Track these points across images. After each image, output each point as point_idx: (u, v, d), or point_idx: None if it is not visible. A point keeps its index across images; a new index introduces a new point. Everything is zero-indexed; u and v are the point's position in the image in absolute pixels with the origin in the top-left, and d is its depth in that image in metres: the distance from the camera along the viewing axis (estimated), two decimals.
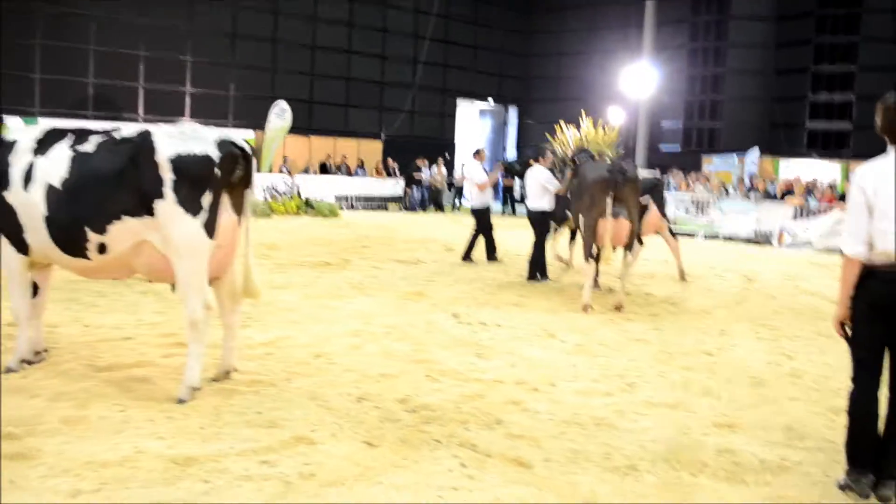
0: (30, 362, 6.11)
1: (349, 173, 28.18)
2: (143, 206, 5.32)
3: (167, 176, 5.28)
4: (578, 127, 17.96)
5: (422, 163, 28.78)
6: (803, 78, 28.54)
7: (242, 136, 5.81)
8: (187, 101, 28.44)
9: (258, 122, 26.36)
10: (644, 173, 12.13)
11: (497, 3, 36.49)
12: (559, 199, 11.95)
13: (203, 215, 5.34)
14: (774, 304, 10.81)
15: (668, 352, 7.60)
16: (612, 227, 9.55)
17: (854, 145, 26.81)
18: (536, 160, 12.38)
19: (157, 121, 24.98)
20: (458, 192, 29.29)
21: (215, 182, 5.37)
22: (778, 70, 29.32)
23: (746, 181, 22.31)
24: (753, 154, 25.28)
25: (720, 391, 6.29)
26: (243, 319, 8.06)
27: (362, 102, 32.43)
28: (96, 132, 5.59)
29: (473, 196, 14.38)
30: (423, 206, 28.14)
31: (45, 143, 5.64)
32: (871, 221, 4.20)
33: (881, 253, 4.20)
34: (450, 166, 31.51)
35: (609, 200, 9.46)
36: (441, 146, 32.67)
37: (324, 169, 27.71)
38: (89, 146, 5.47)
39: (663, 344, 7.96)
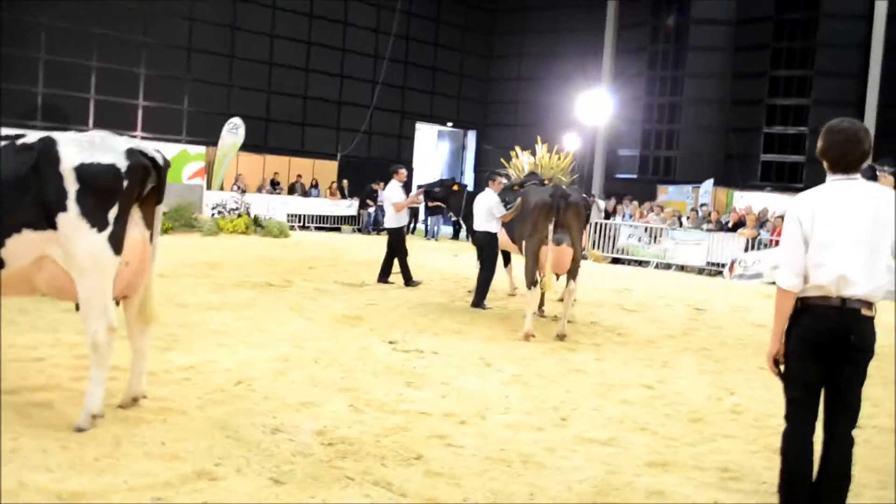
0: None
1: (304, 193, 27.76)
2: (44, 219, 4.94)
3: (71, 187, 4.92)
4: (534, 153, 17.82)
5: (377, 186, 28.42)
6: (758, 109, 28.85)
7: (154, 147, 5.39)
8: (139, 113, 27.91)
9: (213, 138, 25.92)
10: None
11: (457, 25, 36.51)
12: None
13: (109, 229, 4.98)
14: (721, 335, 10.65)
15: (607, 384, 7.36)
16: (554, 253, 9.32)
17: (807, 178, 27.11)
18: (489, 181, 12.06)
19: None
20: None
21: (123, 194, 5.02)
22: (734, 101, 29.60)
23: (700, 211, 22.31)
24: (707, 185, 25.40)
25: (657, 427, 6.05)
26: (166, 341, 7.77)
27: (319, 121, 32.13)
28: (1, 137, 5.21)
29: (389, 216, 14.05)
30: (376, 228, 27.76)
31: None
32: (807, 253, 3.99)
33: (816, 286, 3.99)
34: (407, 188, 31.18)
35: (551, 226, 9.23)
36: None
37: (274, 187, 27.24)
38: None
39: (603, 375, 7.71)
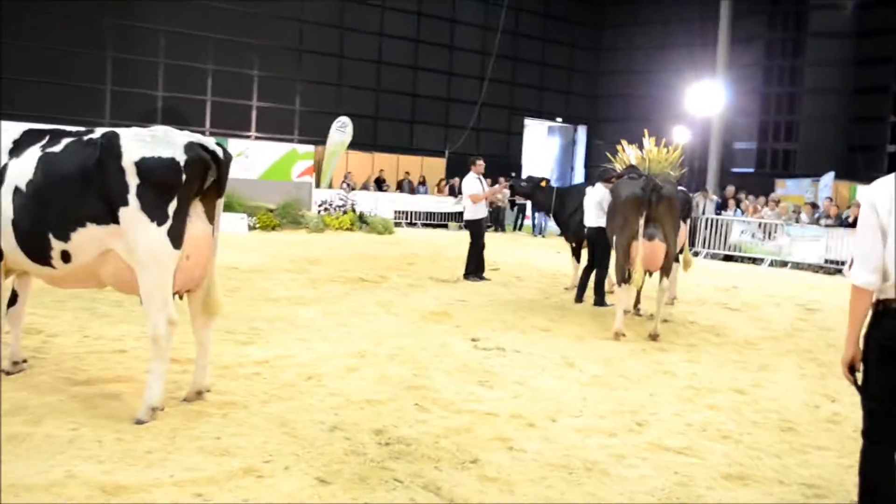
0: (8, 373, 5.85)
1: (411, 190, 27.89)
2: (108, 213, 5.00)
3: (132, 181, 4.95)
4: (641, 146, 17.28)
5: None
6: (884, 98, 27.14)
7: (215, 140, 5.36)
8: (253, 114, 28.69)
9: (322, 137, 26.35)
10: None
11: (565, 19, 35.96)
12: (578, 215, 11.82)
13: (168, 223, 4.98)
14: (829, 337, 9.94)
15: (695, 387, 6.94)
16: (646, 249, 8.89)
17: None
18: (605, 179, 11.66)
19: (224, 134, 25.47)
20: (521, 211, 28.65)
21: (182, 188, 5.01)
22: (857, 89, 27.97)
23: (821, 206, 21.12)
24: (828, 178, 24.05)
25: (741, 435, 5.64)
26: (248, 335, 7.84)
27: (427, 119, 32.24)
28: (69, 133, 5.31)
29: (468, 208, 13.62)
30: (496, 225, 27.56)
31: (21, 145, 5.37)
32: (885, 247, 3.56)
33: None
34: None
35: (642, 220, 8.81)
36: (507, 164, 32.16)
37: (379, 185, 27.48)
38: (57, 148, 5.18)
39: (692, 378, 7.29)
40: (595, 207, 11.26)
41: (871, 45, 27.81)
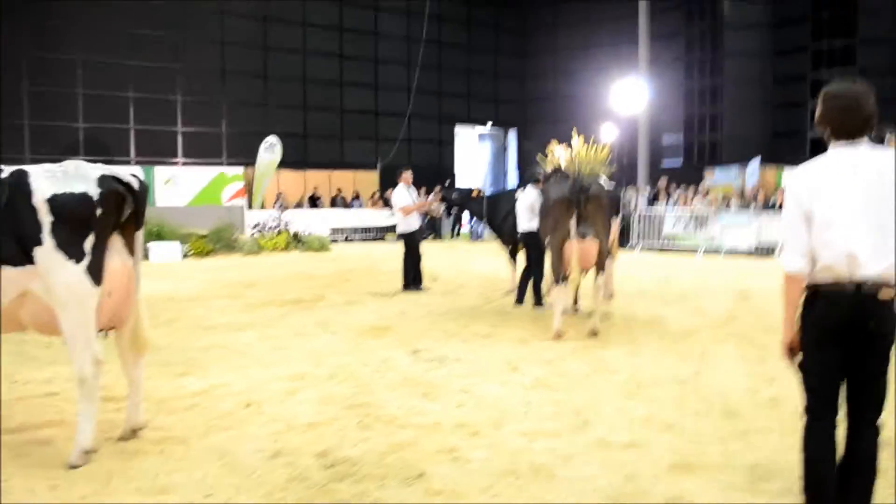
0: None
1: (346, 206, 27.73)
2: (22, 254, 4.80)
3: (45, 219, 4.77)
4: (570, 146, 17.43)
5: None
6: (802, 85, 27.93)
7: (131, 171, 5.20)
8: (179, 140, 28.23)
9: (252, 159, 26.05)
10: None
11: (489, 25, 36.23)
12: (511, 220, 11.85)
13: (86, 260, 4.81)
14: (766, 320, 10.10)
15: (636, 381, 6.99)
16: (579, 248, 8.98)
17: None
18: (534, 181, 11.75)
19: (150, 162, 24.98)
20: (458, 218, 28.71)
21: (98, 223, 4.85)
22: (776, 78, 28.73)
23: (748, 193, 21.61)
24: (754, 165, 24.60)
25: (684, 425, 5.68)
26: (184, 366, 7.64)
27: (357, 133, 32.12)
28: None
29: (399, 221, 13.56)
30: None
31: None
32: (811, 232, 3.61)
33: (824, 268, 3.59)
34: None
35: (573, 221, 8.90)
36: (440, 173, 32.21)
37: (313, 202, 27.26)
38: None
39: (634, 372, 7.34)
40: (526, 211, 11.34)
41: (786, 35, 28.61)
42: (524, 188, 11.80)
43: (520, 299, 11.53)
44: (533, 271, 11.48)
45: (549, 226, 9.36)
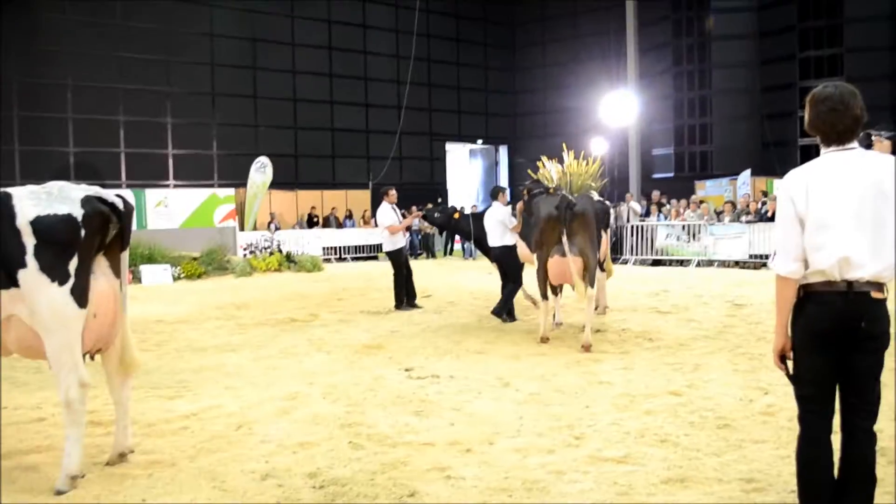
0: None
1: (338, 225, 27.70)
2: (6, 277, 4.75)
3: (29, 241, 4.72)
4: (561, 161, 17.45)
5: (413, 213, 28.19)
6: (791, 94, 28.09)
7: (117, 193, 5.16)
8: (170, 162, 28.21)
9: (243, 180, 26.04)
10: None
11: (478, 42, 36.39)
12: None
13: (70, 282, 4.77)
14: (759, 330, 10.11)
15: (630, 395, 6.94)
16: (564, 264, 9.17)
17: None
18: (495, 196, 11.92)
19: (141, 185, 24.92)
20: (451, 236, 28.71)
21: (82, 244, 4.80)
22: (764, 87, 28.90)
23: (739, 203, 21.63)
24: (745, 176, 24.69)
25: (679, 438, 5.63)
26: (175, 389, 7.57)
27: (348, 152, 32.15)
28: None
29: (386, 239, 13.53)
30: (414, 253, 27.50)
31: None
32: (804, 235, 3.59)
33: (818, 271, 3.58)
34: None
35: (564, 238, 9.11)
36: (432, 190, 32.27)
37: (310, 222, 27.25)
38: None
39: (628, 385, 7.30)
40: (497, 227, 11.38)
41: (773, 44, 28.79)
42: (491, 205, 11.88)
43: (510, 316, 11.49)
44: (508, 286, 11.47)
45: (536, 241, 9.56)
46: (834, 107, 3.65)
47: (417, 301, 13.37)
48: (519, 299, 12.02)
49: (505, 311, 11.34)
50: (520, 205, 11.32)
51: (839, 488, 3.67)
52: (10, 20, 24.15)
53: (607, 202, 13.57)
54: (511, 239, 11.36)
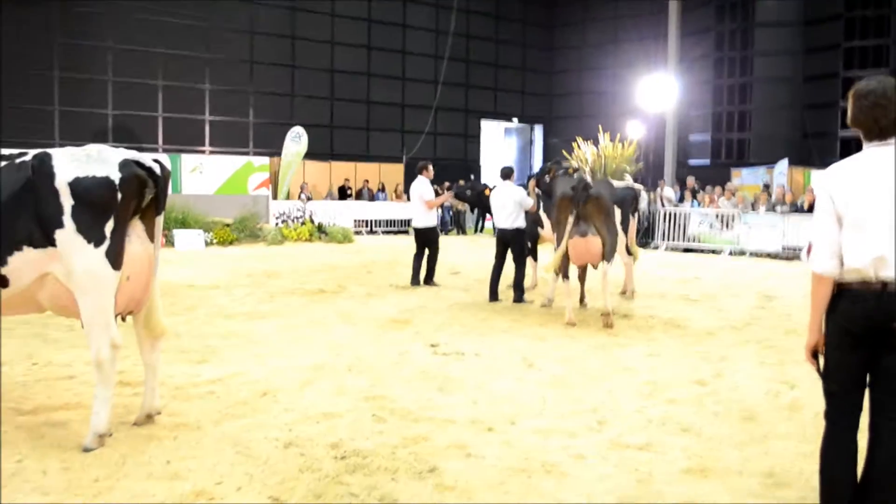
0: None
1: (371, 198, 27.76)
2: (44, 236, 4.83)
3: (66, 202, 4.79)
4: (596, 143, 17.32)
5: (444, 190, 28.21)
6: (833, 84, 27.59)
7: (155, 157, 5.21)
8: (207, 129, 28.40)
9: (278, 149, 26.15)
10: (619, 185, 11.74)
11: (517, 20, 36.10)
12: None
13: (106, 244, 4.83)
14: (788, 324, 10.01)
15: (655, 382, 6.92)
16: (581, 244, 9.38)
17: None
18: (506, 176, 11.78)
19: (177, 150, 25.14)
20: (482, 213, 28.66)
21: (118, 207, 4.87)
22: (806, 77, 28.40)
23: (774, 194, 21.33)
24: (782, 165, 24.32)
25: (702, 428, 5.61)
26: (202, 354, 7.68)
27: (383, 125, 32.14)
28: (1, 157, 5.12)
29: (419, 214, 13.30)
30: (444, 229, 27.51)
31: None
32: (842, 233, 3.55)
33: (853, 269, 3.54)
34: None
35: (573, 218, 9.33)
36: (465, 167, 32.21)
37: (342, 194, 27.34)
38: None
39: (653, 373, 7.27)
40: (507, 208, 11.26)
41: (817, 33, 28.27)
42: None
43: (522, 299, 11.43)
44: (516, 269, 11.51)
45: (555, 221, 9.81)
46: (877, 101, 3.59)
47: (441, 280, 13.33)
48: (543, 279, 12.04)
49: (522, 296, 11.31)
50: (531, 183, 11.31)
51: (861, 488, 3.64)
52: None
53: (638, 186, 13.46)
54: (522, 221, 11.32)
